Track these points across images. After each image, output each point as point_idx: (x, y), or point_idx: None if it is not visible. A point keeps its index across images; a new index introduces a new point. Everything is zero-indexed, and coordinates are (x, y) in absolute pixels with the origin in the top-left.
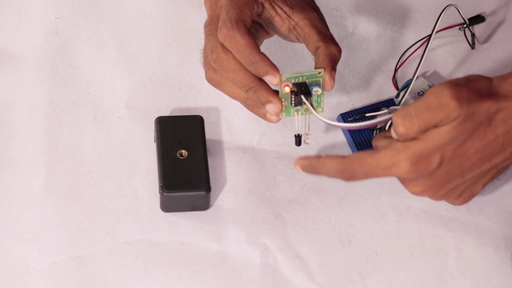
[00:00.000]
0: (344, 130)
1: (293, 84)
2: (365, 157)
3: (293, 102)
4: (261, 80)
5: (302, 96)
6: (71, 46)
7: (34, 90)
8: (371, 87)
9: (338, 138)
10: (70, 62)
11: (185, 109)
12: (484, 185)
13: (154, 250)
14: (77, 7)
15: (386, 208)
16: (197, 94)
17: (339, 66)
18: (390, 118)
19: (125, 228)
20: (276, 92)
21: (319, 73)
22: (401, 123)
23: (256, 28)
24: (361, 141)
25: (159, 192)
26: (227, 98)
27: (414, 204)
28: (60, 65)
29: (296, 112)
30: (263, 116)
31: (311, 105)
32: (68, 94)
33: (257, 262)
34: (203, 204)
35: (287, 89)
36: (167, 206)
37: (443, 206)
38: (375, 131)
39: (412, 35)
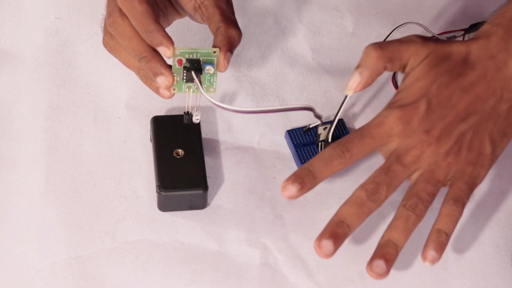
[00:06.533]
0: (290, 144)
1: (187, 59)
2: (359, 128)
3: (184, 78)
4: (155, 51)
5: (193, 73)
6: (71, 46)
7: (34, 90)
8: (371, 87)
9: (284, 150)
10: (70, 62)
11: (184, 108)
12: (492, 140)
13: (154, 250)
14: (77, 7)
15: (386, 208)
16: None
17: (340, 65)
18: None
19: (125, 228)
20: (169, 66)
21: (214, 52)
22: (373, 49)
23: (165, 5)
24: (306, 155)
25: (156, 192)
26: (227, 98)
27: None
28: (60, 65)
29: (187, 89)
30: (156, 91)
31: (200, 82)
32: (68, 94)
33: (257, 262)
34: (200, 203)
35: (180, 64)
36: (164, 205)
37: None
38: (320, 144)
39: None
